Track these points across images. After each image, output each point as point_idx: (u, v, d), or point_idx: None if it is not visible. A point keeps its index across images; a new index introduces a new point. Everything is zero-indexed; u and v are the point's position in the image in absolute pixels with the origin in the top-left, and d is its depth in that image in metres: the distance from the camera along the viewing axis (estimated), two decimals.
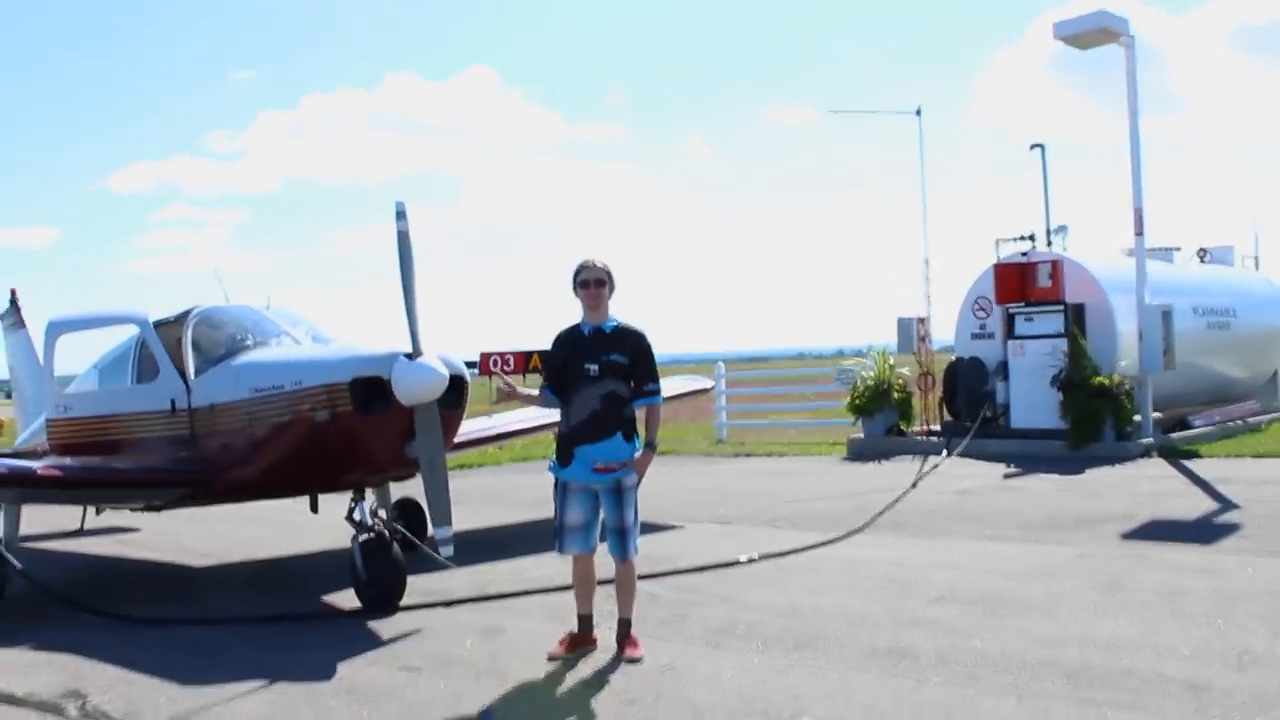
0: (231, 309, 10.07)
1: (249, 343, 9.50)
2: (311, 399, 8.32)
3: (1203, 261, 23.06)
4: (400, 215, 8.08)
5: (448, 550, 8.15)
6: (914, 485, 13.74)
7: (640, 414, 6.71)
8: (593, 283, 6.65)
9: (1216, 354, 20.17)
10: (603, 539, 6.74)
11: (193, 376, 9.41)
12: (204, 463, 9.25)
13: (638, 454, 6.61)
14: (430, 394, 7.98)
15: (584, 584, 6.80)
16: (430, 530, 8.65)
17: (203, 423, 9.25)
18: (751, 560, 9.68)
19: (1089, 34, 16.54)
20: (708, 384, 16.13)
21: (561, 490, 6.67)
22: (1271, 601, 7.41)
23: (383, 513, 11.17)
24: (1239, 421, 19.25)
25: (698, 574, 9.28)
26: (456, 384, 8.41)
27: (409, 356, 8.02)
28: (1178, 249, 21.77)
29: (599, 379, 6.53)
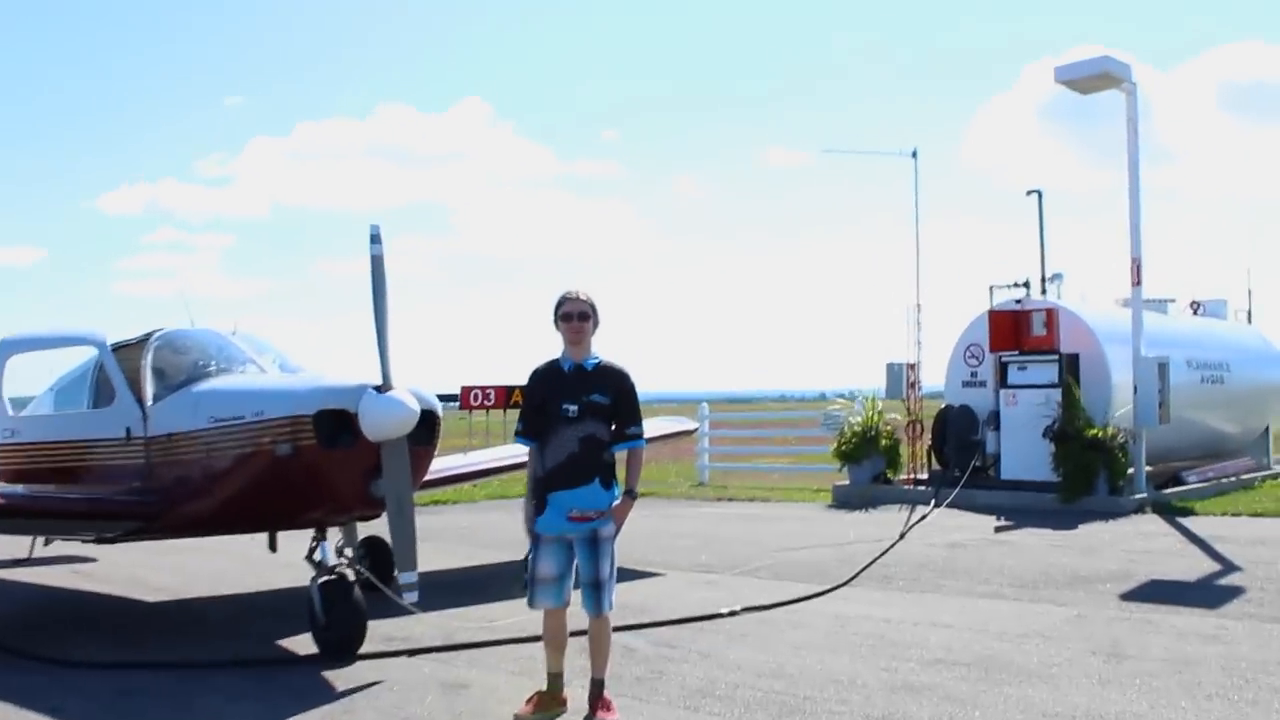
0: (196, 333, 9.59)
1: (211, 369, 9.01)
2: (273, 431, 7.83)
3: (1195, 314, 22.76)
4: (374, 239, 7.65)
5: (412, 596, 7.68)
6: (902, 536, 13.26)
7: (620, 458, 6.24)
8: (575, 316, 6.18)
9: (1210, 408, 19.80)
10: (576, 587, 6.25)
11: (150, 403, 8.93)
12: (158, 495, 8.74)
13: (616, 502, 6.14)
14: (399, 429, 7.52)
15: (555, 640, 6.28)
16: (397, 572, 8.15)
17: (159, 452, 8.76)
18: (733, 613, 9.20)
19: (1090, 79, 16.24)
20: (691, 426, 15.67)
21: (534, 539, 6.18)
22: None
23: (349, 551, 10.67)
24: (1232, 478, 18.87)
25: (677, 626, 8.80)
26: (428, 419, 7.95)
27: (378, 389, 7.56)
28: (1172, 300, 21.46)
29: (578, 420, 6.05)
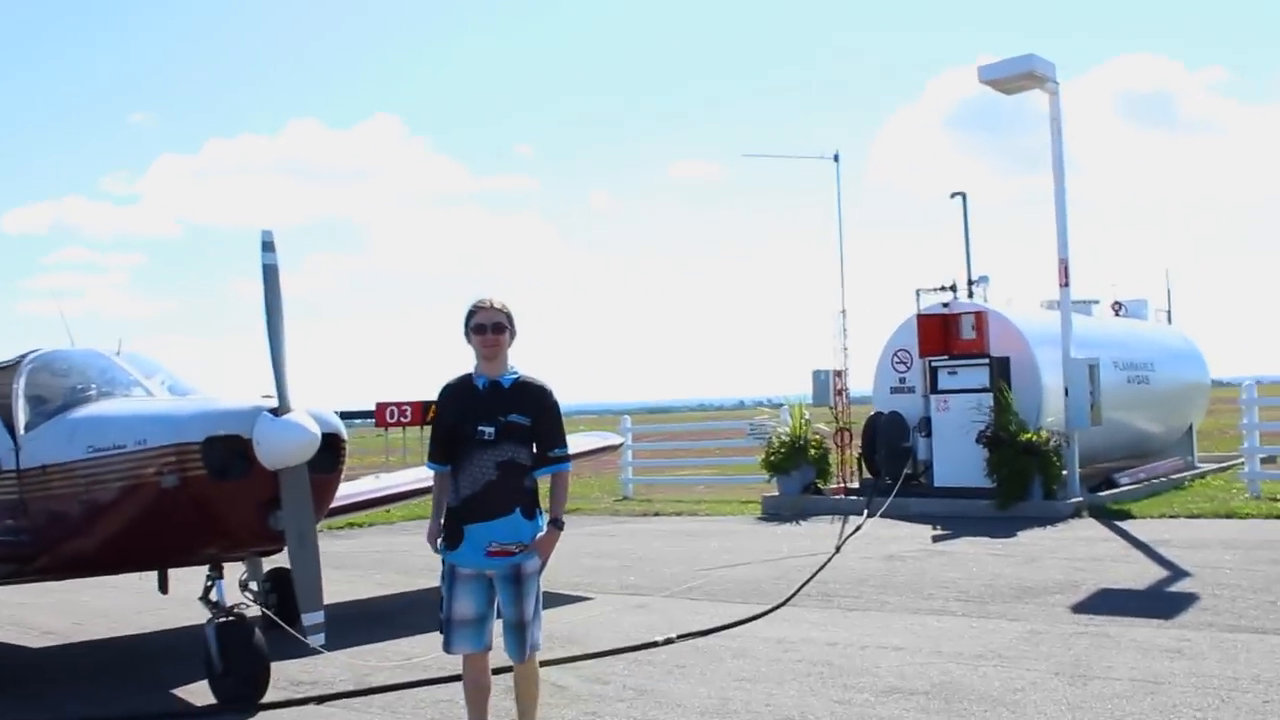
0: (76, 354, 8.77)
1: (92, 393, 8.19)
2: (157, 461, 7.05)
3: (1118, 315, 22.64)
4: (267, 247, 6.95)
5: (318, 638, 6.99)
6: (838, 550, 12.78)
7: (544, 484, 5.59)
8: (489, 327, 5.46)
9: (1136, 409, 19.59)
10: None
11: (22, 432, 8.09)
12: (32, 534, 7.92)
13: (541, 534, 5.44)
14: (298, 456, 6.82)
15: (476, 688, 5.56)
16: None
17: (32, 487, 7.92)
18: (669, 641, 8.61)
19: (1015, 79, 15.94)
20: (617, 440, 15.00)
21: (449, 576, 5.45)
22: (1263, 692, 6.51)
23: (254, 585, 9.89)
24: (1163, 478, 18.68)
25: (610, 659, 8.19)
26: (331, 443, 7.25)
27: (274, 412, 6.85)
28: (1096, 302, 21.27)
29: (495, 443, 5.33)
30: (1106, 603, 9.47)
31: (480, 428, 5.33)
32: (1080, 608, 9.29)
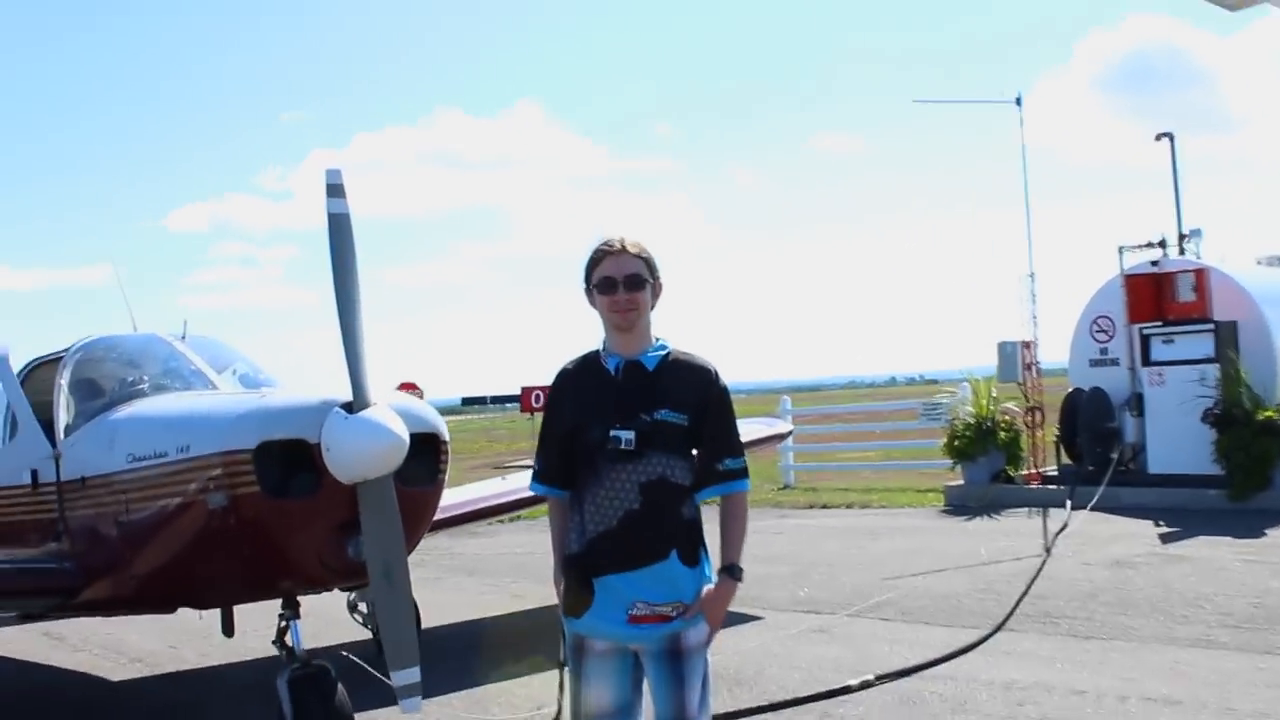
0: (131, 340, 7.30)
1: (144, 388, 6.67)
2: (202, 473, 5.44)
3: None
4: (333, 191, 5.30)
5: (412, 703, 5.34)
6: (1048, 553, 10.74)
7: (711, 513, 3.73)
8: (621, 282, 3.60)
9: None
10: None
11: (63, 436, 6.63)
12: (75, 560, 6.46)
13: (709, 587, 3.59)
14: (381, 465, 5.15)
15: None
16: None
17: (72, 502, 6.44)
18: (866, 684, 6.79)
19: None
20: (786, 428, 13.11)
21: (574, 651, 3.65)
22: None
23: (364, 607, 8.35)
24: None
25: (791, 711, 6.42)
26: (427, 447, 5.59)
27: (347, 408, 5.19)
28: None
29: (637, 454, 3.47)
30: None
31: (615, 432, 3.47)
32: None
